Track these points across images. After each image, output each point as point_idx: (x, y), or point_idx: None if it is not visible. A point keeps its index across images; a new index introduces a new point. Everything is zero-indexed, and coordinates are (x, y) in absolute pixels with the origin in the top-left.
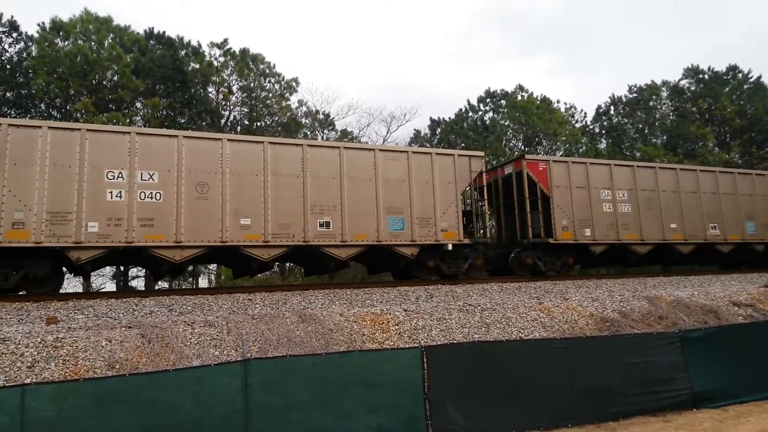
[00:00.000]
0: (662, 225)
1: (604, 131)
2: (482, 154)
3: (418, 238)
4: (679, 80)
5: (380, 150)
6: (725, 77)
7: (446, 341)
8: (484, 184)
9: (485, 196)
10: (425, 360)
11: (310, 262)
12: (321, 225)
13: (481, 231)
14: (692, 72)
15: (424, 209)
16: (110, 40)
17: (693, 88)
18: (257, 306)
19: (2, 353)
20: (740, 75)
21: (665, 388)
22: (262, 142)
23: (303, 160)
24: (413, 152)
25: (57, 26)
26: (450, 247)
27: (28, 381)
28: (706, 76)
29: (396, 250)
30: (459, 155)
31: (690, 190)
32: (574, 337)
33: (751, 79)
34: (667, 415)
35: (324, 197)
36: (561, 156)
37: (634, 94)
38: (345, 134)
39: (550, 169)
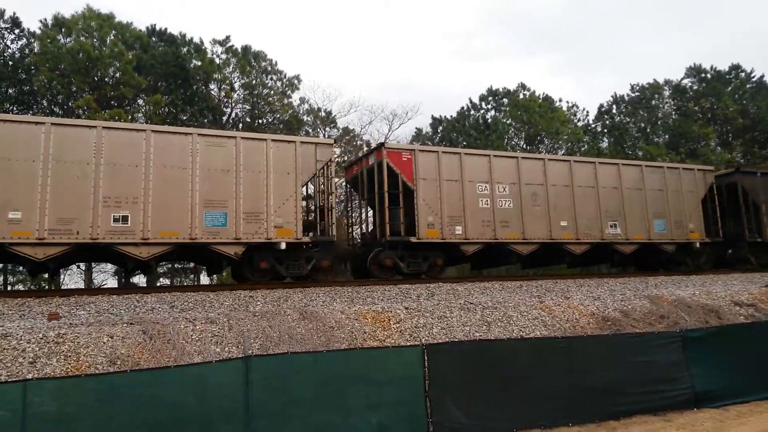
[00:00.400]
0: (549, 222)
1: (606, 130)
2: (331, 141)
3: (244, 236)
4: (682, 79)
5: (200, 135)
6: (728, 76)
7: (447, 339)
8: (332, 175)
9: (333, 189)
10: (426, 358)
11: (111, 261)
12: (116, 220)
13: (325, 227)
14: (695, 71)
15: (253, 203)
16: (112, 37)
17: (695, 88)
18: (258, 303)
19: (4, 349)
20: (743, 74)
21: (666, 388)
22: (44, 123)
23: (97, 145)
24: (243, 138)
25: (59, 23)
26: (283, 246)
27: (29, 376)
28: (709, 76)
29: (215, 248)
30: (302, 142)
31: (586, 184)
32: (575, 336)
33: (754, 79)
34: (667, 414)
35: (122, 188)
36: (437, 145)
37: (637, 93)
38: (346, 132)
39: (416, 159)
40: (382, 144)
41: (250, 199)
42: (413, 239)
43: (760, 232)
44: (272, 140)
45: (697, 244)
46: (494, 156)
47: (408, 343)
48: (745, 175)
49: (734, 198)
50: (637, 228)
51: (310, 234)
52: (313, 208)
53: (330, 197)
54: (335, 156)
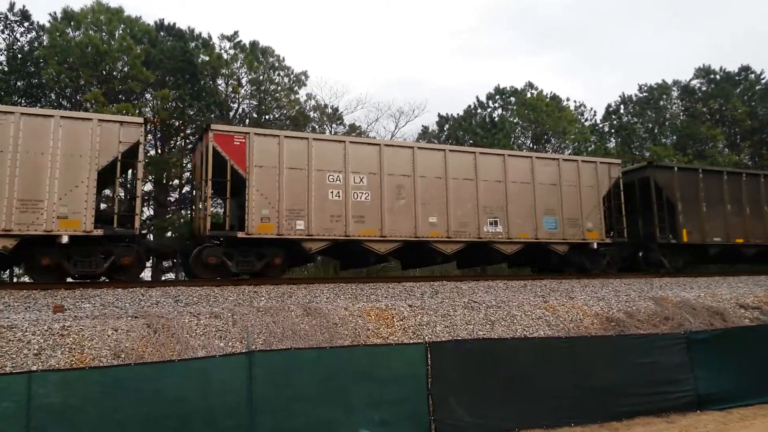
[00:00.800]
0: (415, 218)
1: (613, 130)
2: (141, 120)
3: (16, 227)
4: (690, 80)
5: None
6: (737, 78)
7: (451, 338)
8: (142, 159)
9: (141, 175)
10: (429, 356)
11: None
12: None
13: (128, 218)
14: (704, 72)
15: (31, 189)
16: (121, 31)
17: (704, 88)
18: (262, 298)
19: (9, 340)
20: (752, 76)
21: (669, 389)
22: None
23: None
24: (24, 114)
25: (68, 16)
26: (65, 239)
27: (34, 368)
28: (718, 77)
29: None
30: (101, 120)
31: (463, 176)
32: (578, 337)
33: (764, 80)
34: (670, 416)
35: None
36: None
37: (645, 94)
38: (353, 128)
39: (251, 144)
40: (208, 125)
41: (27, 185)
42: (240, 234)
43: (674, 232)
44: (62, 117)
45: (595, 245)
46: (351, 142)
47: (411, 341)
48: (659, 169)
49: (648, 195)
50: (523, 226)
51: (118, 227)
52: (133, 196)
53: (138, 183)
54: (145, 137)
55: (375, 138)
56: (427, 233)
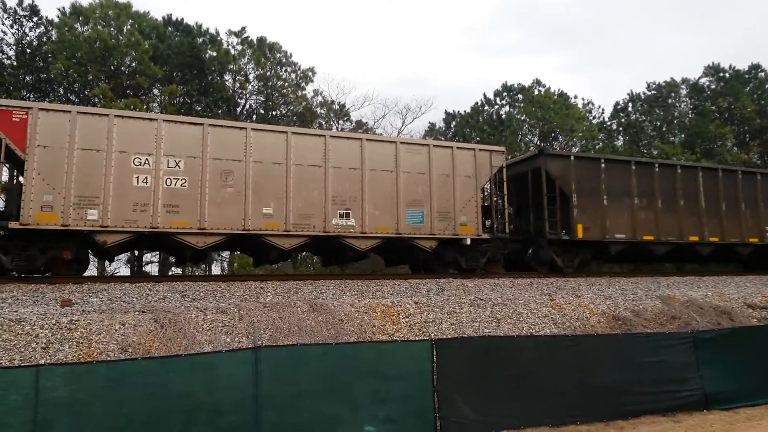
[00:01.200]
0: (246, 209)
1: (621, 128)
2: None
3: None
4: (699, 78)
5: None
6: (747, 76)
7: (456, 335)
8: None
9: None
10: (435, 353)
11: None
12: None
13: None
14: (713, 70)
15: None
16: (129, 26)
17: (713, 87)
18: (269, 294)
19: (18, 334)
20: (762, 74)
21: (676, 389)
22: None
23: None
24: None
25: (77, 11)
26: None
27: (42, 362)
28: (727, 75)
29: None
30: None
31: (310, 162)
32: (585, 335)
33: None
34: (677, 415)
35: None
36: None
37: (653, 91)
38: (360, 125)
39: (35, 120)
40: None
41: None
42: (13, 224)
43: (568, 227)
44: None
45: (468, 241)
46: (164, 121)
47: (417, 338)
48: (552, 158)
49: (541, 186)
50: (381, 219)
51: None
52: None
53: None
54: None
55: (199, 118)
56: (260, 226)
